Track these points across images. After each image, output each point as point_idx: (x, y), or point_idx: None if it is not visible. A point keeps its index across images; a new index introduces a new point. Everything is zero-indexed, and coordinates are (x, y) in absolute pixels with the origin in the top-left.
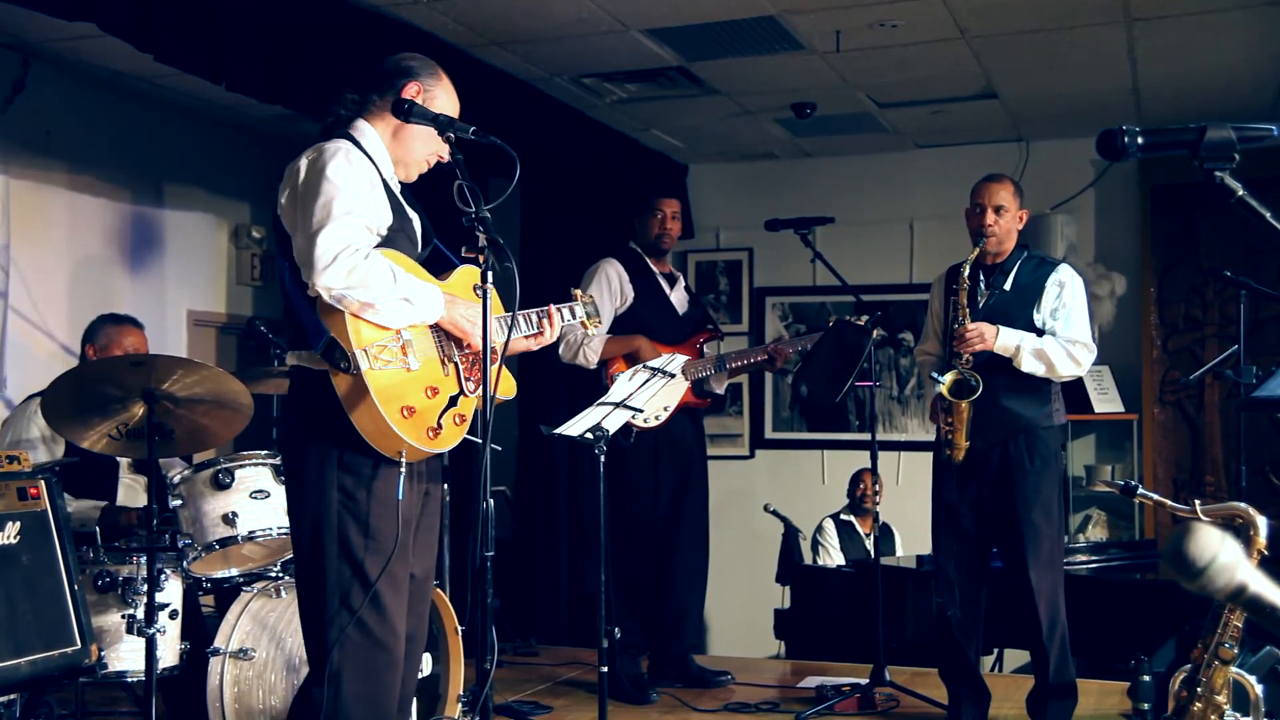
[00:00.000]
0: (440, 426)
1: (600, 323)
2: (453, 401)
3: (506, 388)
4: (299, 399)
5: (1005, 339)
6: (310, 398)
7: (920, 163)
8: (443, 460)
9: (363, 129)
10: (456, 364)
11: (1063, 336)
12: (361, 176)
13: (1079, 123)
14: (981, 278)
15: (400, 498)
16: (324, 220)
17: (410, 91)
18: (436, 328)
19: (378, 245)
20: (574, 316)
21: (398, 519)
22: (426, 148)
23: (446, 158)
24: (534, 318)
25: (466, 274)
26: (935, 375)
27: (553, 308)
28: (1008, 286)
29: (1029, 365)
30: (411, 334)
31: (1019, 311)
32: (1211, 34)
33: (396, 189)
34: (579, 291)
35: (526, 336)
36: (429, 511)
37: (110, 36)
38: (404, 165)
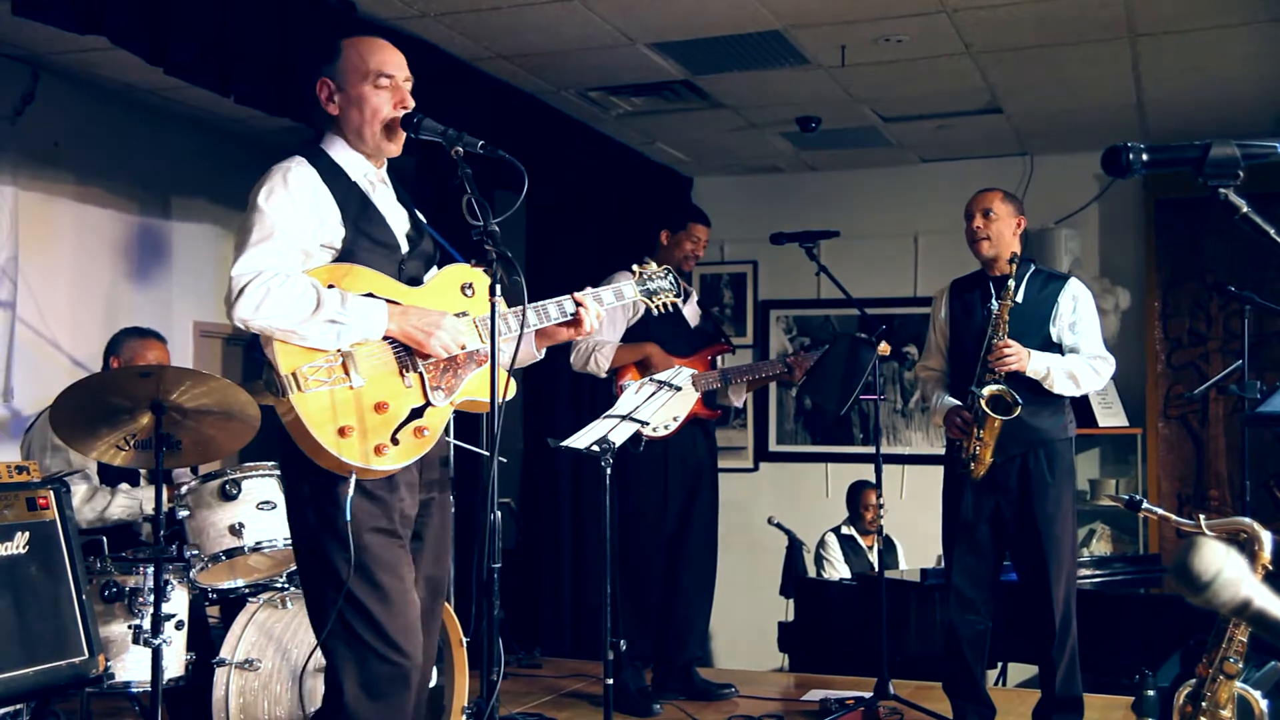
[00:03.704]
0: (395, 442)
1: (676, 297)
2: (416, 414)
3: (488, 392)
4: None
5: (1036, 363)
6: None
7: (925, 177)
8: (449, 470)
9: (330, 137)
10: (421, 374)
11: (1086, 353)
12: (296, 196)
13: (1083, 137)
14: (993, 290)
15: (349, 518)
16: (239, 251)
17: (322, 95)
18: (395, 339)
19: (336, 259)
20: (619, 298)
21: (347, 536)
22: (378, 110)
23: (409, 103)
24: (550, 310)
25: (452, 274)
26: (974, 389)
27: (579, 294)
28: (1019, 299)
29: (1060, 386)
30: (356, 349)
31: (1032, 325)
32: (1216, 50)
33: (378, 193)
34: (636, 267)
35: (563, 324)
36: (436, 524)
37: (120, 49)
38: (376, 146)
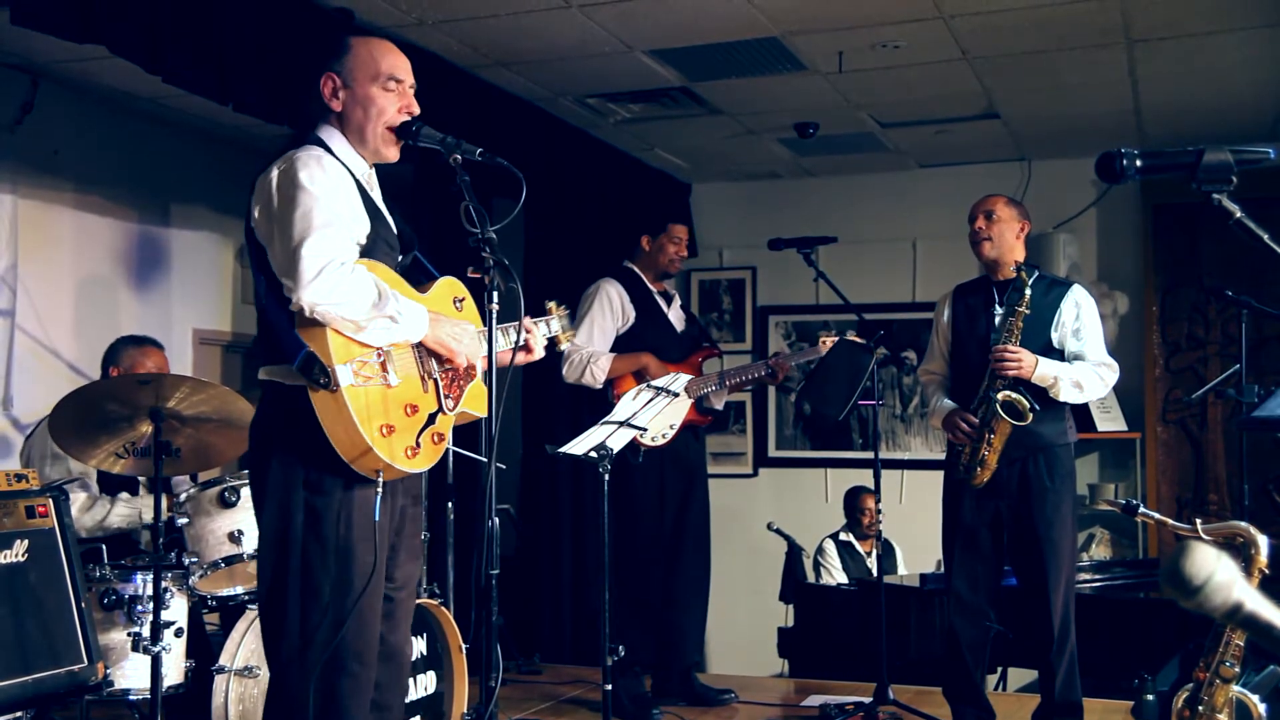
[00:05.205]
0: (419, 445)
1: (575, 335)
2: (431, 419)
3: (479, 405)
4: (268, 414)
5: (1044, 369)
6: (280, 413)
7: (923, 182)
8: (422, 479)
9: (328, 132)
10: (436, 380)
11: (1092, 360)
12: (337, 183)
13: (1081, 142)
14: (995, 295)
15: (377, 519)
16: (305, 232)
17: (326, 89)
18: (417, 344)
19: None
20: (549, 330)
21: (374, 540)
22: (384, 111)
23: (414, 109)
24: (511, 332)
25: (447, 287)
26: (990, 394)
27: (528, 320)
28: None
29: (1067, 394)
30: (392, 350)
31: (1033, 331)
32: (1212, 55)
33: (375, 193)
34: (552, 305)
35: (513, 350)
36: (409, 533)
37: (118, 58)
38: (376, 148)
